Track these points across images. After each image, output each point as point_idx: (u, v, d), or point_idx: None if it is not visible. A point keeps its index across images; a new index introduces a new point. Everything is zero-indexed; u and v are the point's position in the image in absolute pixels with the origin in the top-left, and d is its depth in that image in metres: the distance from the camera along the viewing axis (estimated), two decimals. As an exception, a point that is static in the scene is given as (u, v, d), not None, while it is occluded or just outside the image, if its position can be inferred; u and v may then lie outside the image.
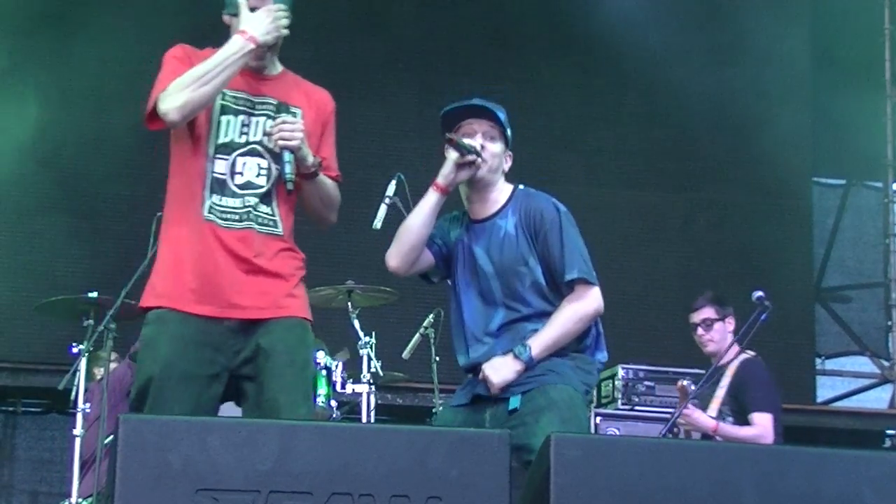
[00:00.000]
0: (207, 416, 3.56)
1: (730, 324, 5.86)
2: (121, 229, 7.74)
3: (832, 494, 3.08)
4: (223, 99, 3.72)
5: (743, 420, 5.58)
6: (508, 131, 4.03)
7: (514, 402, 3.85)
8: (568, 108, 8.74)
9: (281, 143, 3.66)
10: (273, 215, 3.74)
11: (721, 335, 5.80)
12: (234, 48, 3.65)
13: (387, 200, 4.63)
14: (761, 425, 5.52)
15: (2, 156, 8.01)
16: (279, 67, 3.85)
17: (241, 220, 3.68)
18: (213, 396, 3.64)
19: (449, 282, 4.07)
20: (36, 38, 8.17)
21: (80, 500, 5.88)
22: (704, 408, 5.62)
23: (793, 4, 9.30)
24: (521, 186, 4.07)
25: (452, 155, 3.91)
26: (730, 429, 5.50)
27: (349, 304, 6.13)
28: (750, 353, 5.81)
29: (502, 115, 4.01)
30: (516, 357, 3.86)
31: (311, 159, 3.72)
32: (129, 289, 5.80)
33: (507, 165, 4.05)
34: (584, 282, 3.94)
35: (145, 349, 3.67)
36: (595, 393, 7.35)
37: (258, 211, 3.71)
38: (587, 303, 3.94)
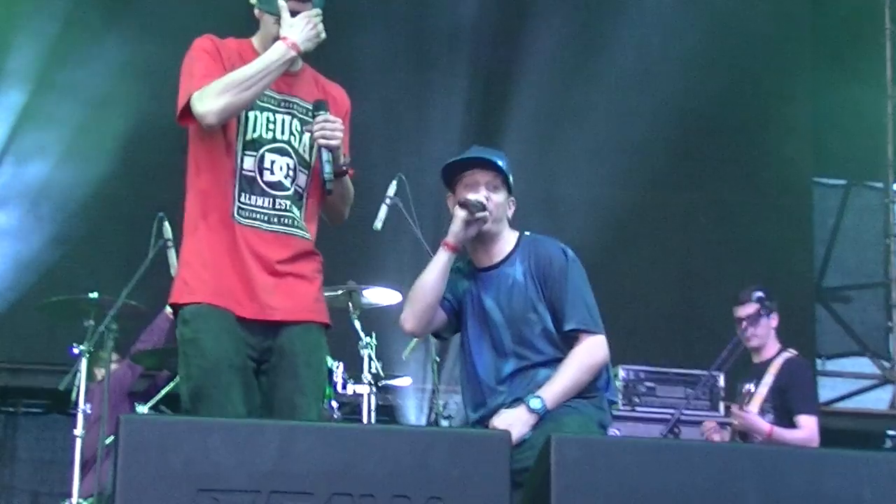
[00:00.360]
0: (254, 404, 3.59)
1: (774, 320, 5.87)
2: (121, 230, 7.74)
3: (833, 495, 3.08)
4: None
5: (785, 419, 5.59)
6: (510, 178, 4.02)
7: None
8: (568, 107, 8.74)
9: (322, 141, 3.67)
10: (301, 218, 3.77)
11: (765, 331, 5.80)
12: (277, 55, 3.64)
13: (387, 201, 4.64)
14: (808, 428, 5.56)
15: (3, 156, 8.02)
16: (300, 63, 3.84)
17: (269, 222, 3.71)
18: (254, 387, 3.67)
19: (460, 335, 4.07)
20: (30, 36, 8.18)
21: (80, 500, 5.88)
22: (745, 404, 5.64)
23: (794, 4, 9.30)
24: (527, 233, 4.08)
25: (461, 213, 3.92)
26: (783, 433, 5.52)
27: (350, 304, 6.13)
28: (792, 352, 5.83)
29: (503, 164, 4.01)
30: (531, 410, 3.86)
31: (342, 158, 3.73)
32: (129, 289, 5.81)
33: (510, 212, 4.06)
34: (586, 332, 3.96)
35: (190, 346, 3.65)
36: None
37: (288, 212, 3.73)
38: (593, 353, 4.00)
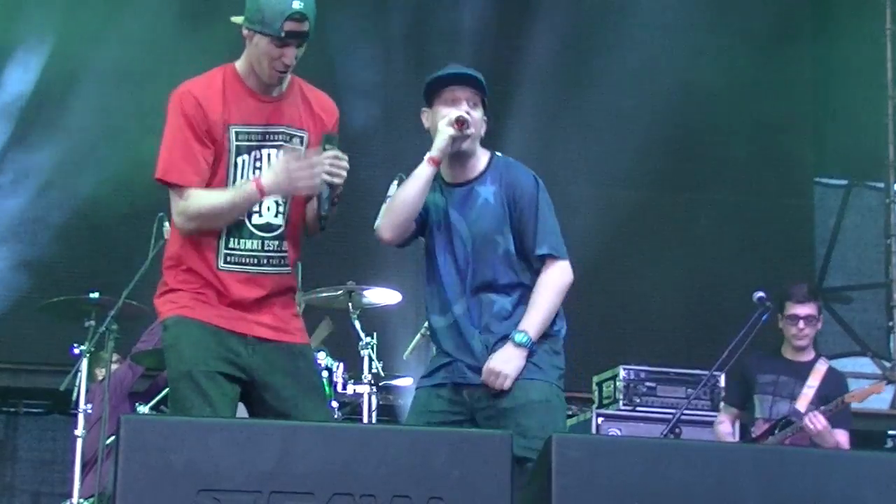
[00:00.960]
0: (231, 411, 3.64)
1: (820, 323, 5.89)
2: (122, 230, 7.74)
3: (834, 495, 3.08)
4: (237, 139, 3.73)
5: None
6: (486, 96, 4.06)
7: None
8: (569, 107, 8.74)
9: (327, 178, 3.67)
10: (285, 253, 3.80)
11: (815, 333, 5.83)
12: (249, 199, 3.68)
13: (388, 201, 4.62)
14: (846, 444, 5.61)
15: (2, 155, 8.02)
16: (287, 80, 3.80)
17: (257, 264, 3.74)
18: (235, 396, 3.71)
19: (425, 243, 4.08)
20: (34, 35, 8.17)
21: (81, 500, 5.88)
22: (785, 397, 5.67)
23: (794, 5, 9.30)
24: (498, 154, 4.09)
25: (449, 129, 3.92)
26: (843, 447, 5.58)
27: (350, 304, 6.13)
28: (827, 360, 5.88)
29: (483, 82, 4.06)
30: (519, 345, 3.91)
31: (339, 190, 3.74)
32: (130, 290, 5.81)
33: (483, 130, 4.07)
34: (556, 258, 4.06)
35: (169, 351, 3.73)
36: (597, 393, 7.35)
37: (276, 253, 3.77)
38: (562, 276, 4.12)
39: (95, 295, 5.99)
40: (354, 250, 7.55)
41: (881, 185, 9.41)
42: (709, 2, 9.07)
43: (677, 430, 5.51)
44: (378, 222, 4.00)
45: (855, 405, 9.01)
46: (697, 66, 8.81)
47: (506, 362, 3.90)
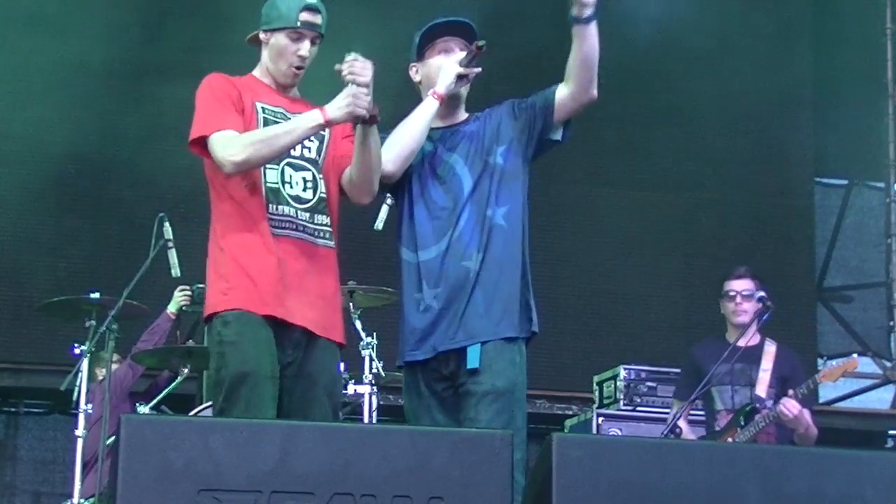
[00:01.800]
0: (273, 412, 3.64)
1: (764, 304, 5.80)
2: (122, 230, 7.74)
3: (834, 494, 3.08)
4: (264, 112, 3.82)
5: None
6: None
7: (473, 358, 3.83)
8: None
9: (350, 77, 3.72)
10: (328, 225, 3.86)
11: (754, 311, 5.71)
12: (307, 122, 3.75)
13: (388, 201, 4.62)
14: (812, 423, 5.58)
15: (3, 156, 8.02)
16: (298, 95, 3.96)
17: (296, 230, 3.79)
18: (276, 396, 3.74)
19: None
20: (37, 38, 8.17)
21: (82, 500, 5.88)
22: (744, 385, 5.63)
23: (795, 4, 9.29)
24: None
25: (456, 68, 3.95)
26: (813, 429, 5.54)
27: (351, 304, 6.13)
28: (774, 341, 5.80)
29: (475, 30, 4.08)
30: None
31: (370, 102, 3.78)
32: (130, 289, 5.81)
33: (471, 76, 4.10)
34: None
35: (231, 348, 3.70)
36: (597, 393, 7.35)
37: (313, 223, 3.82)
38: None
39: (96, 295, 6.00)
40: (355, 251, 7.54)
41: (881, 184, 9.41)
42: (710, 2, 9.07)
43: (677, 430, 5.49)
44: (384, 157, 3.91)
45: (856, 404, 9.05)
46: (697, 65, 8.81)
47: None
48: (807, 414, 5.51)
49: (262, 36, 3.88)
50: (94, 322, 5.95)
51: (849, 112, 9.12)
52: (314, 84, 4.01)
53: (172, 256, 5.87)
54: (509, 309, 3.90)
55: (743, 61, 8.97)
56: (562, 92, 4.07)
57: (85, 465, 6.05)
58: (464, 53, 3.99)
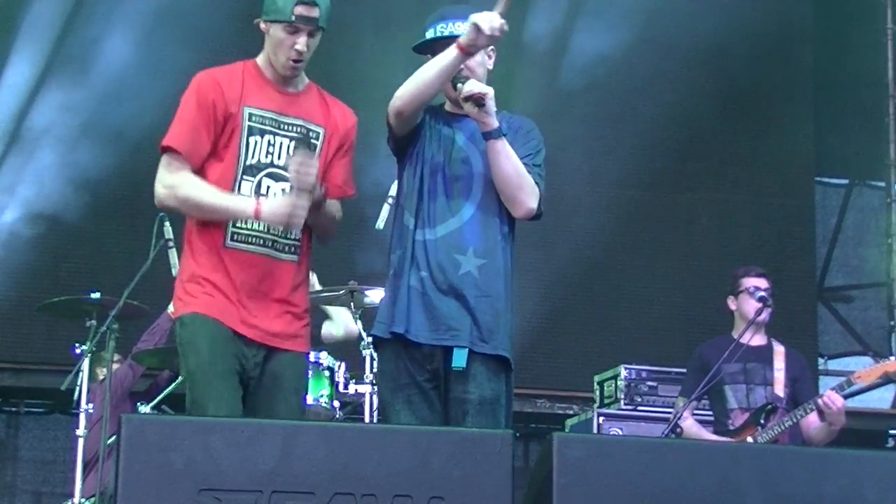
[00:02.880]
0: (238, 408, 3.65)
1: (771, 305, 5.81)
2: (123, 230, 7.74)
3: (835, 494, 3.08)
4: (250, 120, 3.81)
5: (792, 409, 5.62)
6: None
7: (460, 358, 3.78)
8: (568, 107, 8.73)
9: (295, 179, 3.71)
10: (297, 240, 3.84)
11: (763, 316, 5.73)
12: (236, 213, 3.74)
13: (389, 201, 4.62)
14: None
15: (3, 156, 8.02)
16: (305, 81, 3.93)
17: (263, 245, 3.79)
18: (240, 395, 3.76)
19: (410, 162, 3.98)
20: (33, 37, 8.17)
21: (83, 500, 5.88)
22: (759, 384, 5.65)
23: (796, 4, 9.29)
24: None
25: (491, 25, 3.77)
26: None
27: (352, 304, 6.13)
28: (780, 343, 5.83)
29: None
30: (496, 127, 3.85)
31: (317, 191, 3.76)
32: (131, 289, 5.81)
33: (490, 62, 4.01)
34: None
35: (187, 347, 3.75)
36: (598, 393, 7.35)
37: (284, 237, 3.81)
38: (532, 190, 3.92)
39: (96, 295, 5.99)
40: (356, 250, 7.55)
41: (882, 184, 9.40)
42: (710, 1, 9.06)
43: (678, 430, 5.49)
44: (396, 92, 3.86)
45: (856, 404, 9.05)
46: (697, 65, 8.81)
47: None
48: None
49: (262, 26, 3.86)
50: (94, 322, 5.95)
51: (849, 111, 9.12)
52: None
53: (173, 256, 5.87)
54: (500, 327, 3.86)
55: (743, 59, 8.96)
56: None
57: (86, 465, 6.05)
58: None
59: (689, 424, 5.72)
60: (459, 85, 3.83)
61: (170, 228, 5.88)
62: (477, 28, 3.75)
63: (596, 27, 8.80)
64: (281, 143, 3.82)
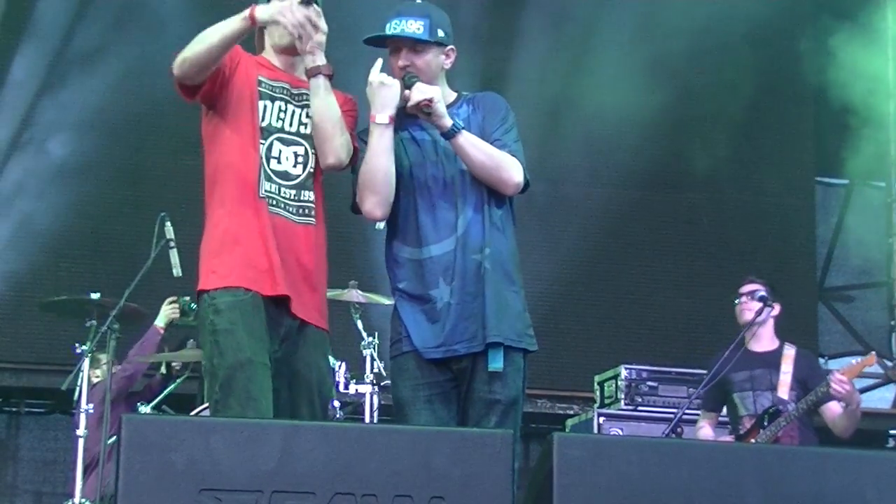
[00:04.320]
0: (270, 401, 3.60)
1: (775, 309, 5.97)
2: (123, 230, 7.74)
3: (835, 494, 3.08)
4: (261, 86, 3.82)
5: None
6: (439, 31, 3.90)
7: (497, 360, 3.76)
8: (567, 107, 8.73)
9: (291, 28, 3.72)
10: (312, 203, 3.82)
11: (764, 315, 5.89)
12: (234, 19, 3.73)
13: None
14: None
15: (4, 156, 8.03)
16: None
17: (276, 206, 3.77)
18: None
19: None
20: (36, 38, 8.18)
21: (83, 500, 5.88)
22: (765, 389, 5.73)
23: (797, 4, 9.29)
24: (465, 93, 4.01)
25: (393, 90, 3.81)
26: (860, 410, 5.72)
27: (352, 304, 6.13)
28: (792, 345, 5.93)
29: (424, 27, 3.89)
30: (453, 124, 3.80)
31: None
32: (131, 290, 5.81)
33: (448, 62, 3.95)
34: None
35: (225, 336, 3.66)
36: (598, 393, 7.35)
37: (297, 200, 3.79)
38: (514, 169, 3.88)
39: (97, 295, 6.00)
40: (357, 250, 7.55)
41: (882, 184, 9.40)
42: (710, 1, 9.06)
43: (679, 430, 5.52)
44: (363, 206, 3.82)
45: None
46: (698, 64, 8.80)
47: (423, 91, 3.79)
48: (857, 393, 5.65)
49: (257, 15, 3.81)
50: (94, 322, 5.95)
51: (850, 111, 9.11)
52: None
53: (174, 256, 5.87)
54: (516, 317, 3.84)
55: (744, 58, 8.96)
56: None
57: (86, 466, 6.05)
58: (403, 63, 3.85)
59: (705, 432, 5.87)
60: (406, 91, 3.81)
61: (171, 228, 5.89)
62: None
63: (593, 27, 8.80)
64: (293, 112, 3.84)
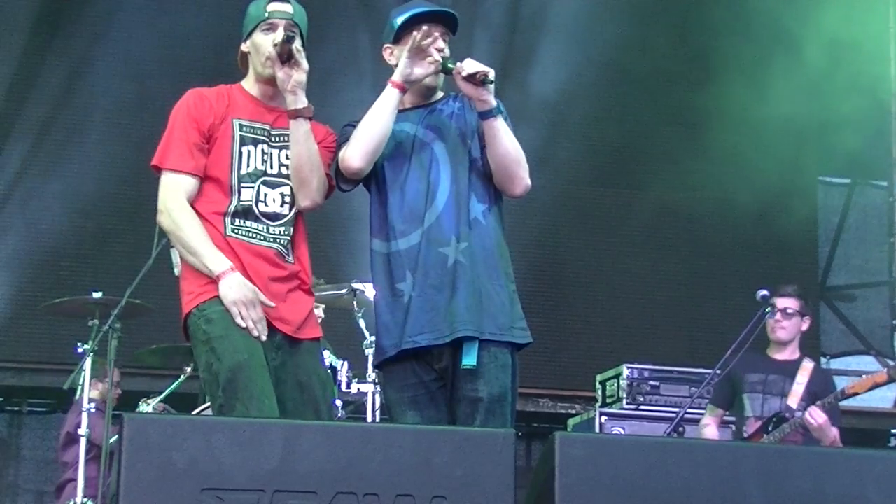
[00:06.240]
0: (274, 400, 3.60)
1: (805, 323, 5.97)
2: (125, 229, 7.74)
3: (836, 494, 3.08)
4: (241, 130, 3.82)
5: None
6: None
7: (471, 356, 3.72)
8: (573, 106, 8.73)
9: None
10: (291, 241, 3.84)
11: (795, 329, 5.89)
12: (211, 265, 3.72)
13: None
14: (839, 441, 5.70)
15: (8, 157, 8.03)
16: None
17: (264, 240, 3.79)
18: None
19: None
20: (35, 37, 8.18)
21: (84, 500, 5.88)
22: (775, 395, 5.74)
23: (800, 2, 9.28)
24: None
25: (427, 67, 3.82)
26: (838, 444, 5.66)
27: (354, 303, 6.13)
28: (812, 359, 5.95)
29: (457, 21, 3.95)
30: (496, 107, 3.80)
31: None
32: (133, 289, 5.81)
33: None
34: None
35: (221, 342, 3.67)
36: (600, 392, 7.35)
37: (283, 236, 3.82)
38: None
39: (98, 294, 5.99)
40: (358, 249, 7.55)
41: (885, 183, 9.39)
42: (713, 1, 9.06)
43: (681, 429, 5.52)
44: (345, 152, 3.81)
45: (859, 403, 9.03)
46: (701, 63, 8.80)
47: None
48: (833, 429, 5.61)
49: (243, 48, 3.89)
50: (96, 321, 5.95)
51: (852, 110, 9.11)
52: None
53: (175, 255, 5.85)
54: (498, 310, 3.78)
55: (747, 58, 8.95)
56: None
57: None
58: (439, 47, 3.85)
59: (710, 431, 5.88)
60: (451, 65, 3.80)
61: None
62: (411, 61, 3.78)
63: (595, 26, 8.79)
64: (272, 154, 3.83)
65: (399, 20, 3.94)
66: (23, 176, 8.01)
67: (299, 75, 3.77)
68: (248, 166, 3.79)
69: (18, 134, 8.07)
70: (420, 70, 3.83)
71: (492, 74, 3.79)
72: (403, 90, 3.85)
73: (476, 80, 3.77)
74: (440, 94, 3.97)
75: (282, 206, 3.82)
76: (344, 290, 6.15)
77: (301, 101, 3.77)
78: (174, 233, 3.79)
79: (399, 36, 3.93)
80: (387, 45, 3.99)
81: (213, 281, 3.70)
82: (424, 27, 3.85)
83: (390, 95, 3.83)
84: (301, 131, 3.78)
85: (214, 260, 3.70)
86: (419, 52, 3.81)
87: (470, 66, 3.79)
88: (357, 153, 3.80)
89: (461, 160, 3.85)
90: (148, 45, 8.13)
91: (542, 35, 8.79)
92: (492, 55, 8.24)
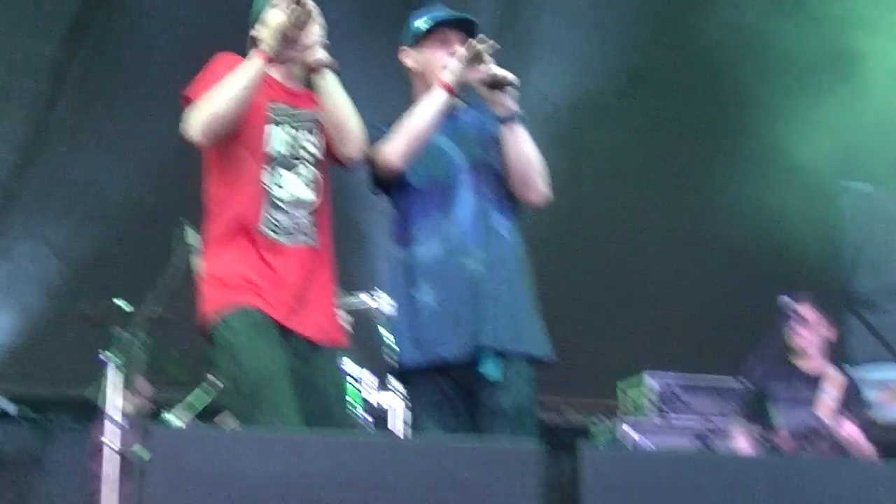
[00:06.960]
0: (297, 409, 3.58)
1: (827, 330, 6.01)
2: (152, 238, 7.76)
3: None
4: (267, 110, 3.78)
5: None
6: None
7: (494, 371, 3.71)
8: (575, 107, 8.72)
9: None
10: (315, 226, 3.79)
11: (813, 338, 5.92)
12: (251, 64, 3.69)
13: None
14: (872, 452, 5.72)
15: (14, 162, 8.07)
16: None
17: (289, 234, 3.73)
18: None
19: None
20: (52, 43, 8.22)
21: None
22: (804, 406, 5.73)
23: (816, 6, 9.25)
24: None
25: (457, 60, 3.81)
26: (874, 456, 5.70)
27: (375, 311, 6.12)
28: (839, 370, 5.95)
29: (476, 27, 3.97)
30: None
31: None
32: (157, 298, 5.82)
33: None
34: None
35: (246, 353, 3.61)
36: (622, 401, 7.32)
37: (302, 222, 3.76)
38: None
39: (123, 303, 6.01)
40: (378, 255, 7.56)
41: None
42: (730, 2, 9.04)
43: (710, 442, 5.54)
44: (386, 150, 3.79)
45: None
46: (722, 66, 8.79)
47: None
48: (867, 443, 5.60)
49: (253, 33, 3.85)
50: (121, 330, 5.97)
51: (876, 115, 9.07)
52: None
53: (196, 263, 5.87)
54: (518, 321, 3.77)
55: (768, 61, 8.93)
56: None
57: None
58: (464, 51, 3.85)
59: (740, 444, 5.88)
60: (483, 66, 3.79)
61: (193, 234, 5.90)
62: (462, 63, 3.76)
63: (605, 25, 8.79)
64: (294, 136, 3.80)
65: (423, 25, 3.94)
66: (50, 186, 8.05)
67: (315, 28, 3.71)
68: (267, 146, 3.75)
69: (44, 144, 8.12)
70: (474, 75, 3.81)
71: (516, 80, 3.79)
72: (453, 93, 3.82)
73: (501, 83, 3.76)
74: (460, 103, 3.97)
75: (304, 189, 3.77)
76: (364, 298, 6.14)
77: (321, 53, 3.71)
78: (210, 110, 3.66)
79: (418, 39, 3.92)
80: (404, 48, 3.97)
81: (238, 286, 3.65)
82: (480, 35, 3.86)
83: (439, 97, 3.80)
84: (328, 78, 3.72)
85: (247, 66, 3.63)
86: (476, 58, 3.79)
87: (497, 68, 3.80)
88: (399, 152, 3.79)
89: (482, 170, 3.85)
90: (171, 50, 8.16)
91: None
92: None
